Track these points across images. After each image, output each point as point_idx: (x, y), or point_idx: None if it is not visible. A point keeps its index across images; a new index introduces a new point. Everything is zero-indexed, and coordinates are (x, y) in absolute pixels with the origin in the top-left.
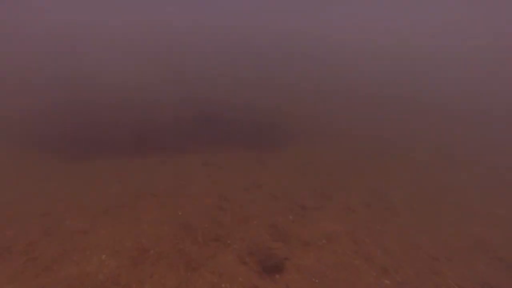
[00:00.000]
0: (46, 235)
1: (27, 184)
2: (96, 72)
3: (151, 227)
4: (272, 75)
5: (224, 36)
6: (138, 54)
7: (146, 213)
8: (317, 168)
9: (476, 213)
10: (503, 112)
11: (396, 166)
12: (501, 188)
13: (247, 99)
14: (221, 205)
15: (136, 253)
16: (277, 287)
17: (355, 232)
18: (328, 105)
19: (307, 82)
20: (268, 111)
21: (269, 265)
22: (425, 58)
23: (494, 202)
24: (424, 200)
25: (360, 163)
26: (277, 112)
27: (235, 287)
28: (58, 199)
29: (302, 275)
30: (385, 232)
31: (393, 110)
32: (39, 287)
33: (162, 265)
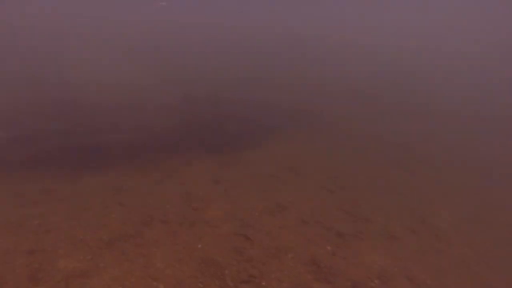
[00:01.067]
0: (34, 282)
1: (5, 212)
2: (89, 72)
3: (166, 266)
4: (274, 75)
5: (222, 36)
6: (137, 54)
7: (158, 246)
8: (343, 182)
9: None
10: None
11: (431, 179)
12: None
13: (258, 100)
14: (245, 233)
15: None
16: None
17: (409, 269)
18: (338, 105)
19: (317, 81)
20: (279, 114)
21: None
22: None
23: None
24: (475, 222)
25: (389, 174)
26: (290, 117)
27: None
28: (47, 229)
29: None
30: (444, 268)
31: (417, 118)
32: None
33: None
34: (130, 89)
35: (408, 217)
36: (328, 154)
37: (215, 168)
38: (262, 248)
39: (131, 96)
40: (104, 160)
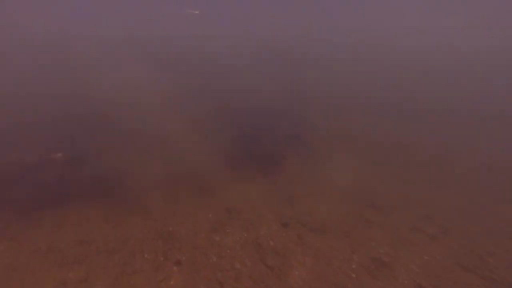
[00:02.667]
0: None
1: None
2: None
3: None
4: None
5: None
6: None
7: None
8: (441, 221)
9: None
10: None
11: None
12: None
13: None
14: None
15: None
16: None
17: None
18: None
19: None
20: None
21: None
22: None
23: None
24: None
25: (497, 207)
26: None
27: None
28: None
29: None
30: None
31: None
32: None
33: None
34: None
35: None
36: (405, 180)
37: (276, 202)
38: None
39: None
40: (132, 193)
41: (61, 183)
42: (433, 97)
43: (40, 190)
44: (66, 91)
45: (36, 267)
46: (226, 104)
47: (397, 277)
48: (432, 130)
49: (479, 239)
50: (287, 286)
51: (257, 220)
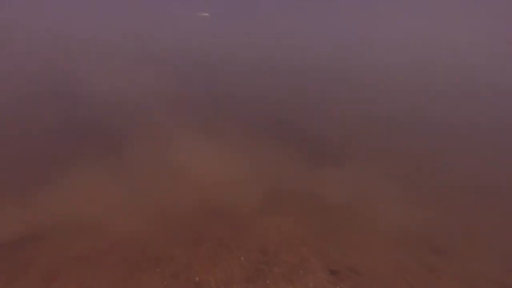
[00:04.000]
0: None
1: None
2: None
3: None
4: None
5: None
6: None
7: None
8: None
9: None
10: None
11: None
12: None
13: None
14: None
15: None
16: None
17: None
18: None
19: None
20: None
21: None
22: None
23: None
24: None
25: None
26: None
27: None
28: None
29: None
30: None
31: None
32: None
33: None
34: None
35: None
36: (470, 216)
37: (317, 240)
38: None
39: None
40: None
41: None
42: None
43: None
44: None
45: None
46: (263, 118)
47: None
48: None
49: None
50: None
51: (300, 266)
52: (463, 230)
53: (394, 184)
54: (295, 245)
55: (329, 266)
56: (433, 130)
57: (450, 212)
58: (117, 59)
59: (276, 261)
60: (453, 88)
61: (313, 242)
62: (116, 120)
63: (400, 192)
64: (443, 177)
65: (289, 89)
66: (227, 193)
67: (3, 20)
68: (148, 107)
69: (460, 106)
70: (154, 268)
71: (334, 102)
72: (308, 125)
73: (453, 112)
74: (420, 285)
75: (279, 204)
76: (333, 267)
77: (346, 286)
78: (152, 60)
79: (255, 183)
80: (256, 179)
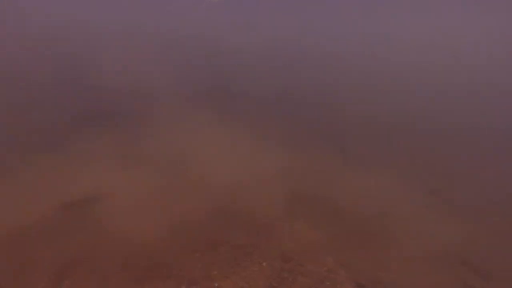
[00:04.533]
0: None
1: None
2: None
3: None
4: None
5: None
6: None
7: None
8: None
9: None
10: None
11: None
12: None
13: None
14: None
15: None
16: None
17: None
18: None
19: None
20: None
21: None
22: None
23: None
24: None
25: None
26: None
27: None
28: None
29: None
30: None
31: None
32: None
33: None
34: None
35: None
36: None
37: (342, 250)
38: None
39: None
40: None
41: None
42: None
43: None
44: None
45: None
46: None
47: None
48: None
49: None
50: None
51: (326, 277)
52: (505, 250)
53: (425, 194)
54: (319, 254)
55: (356, 278)
56: (465, 136)
57: (487, 228)
58: (133, 50)
59: (301, 270)
60: (484, 89)
61: (339, 252)
62: (130, 114)
63: (432, 203)
64: (478, 189)
65: (316, 87)
66: (246, 195)
67: (25, 8)
68: (163, 99)
69: (497, 111)
70: (169, 274)
71: (363, 103)
72: (335, 125)
73: (490, 115)
74: None
75: (301, 209)
76: (360, 280)
77: None
78: (166, 50)
79: (276, 184)
80: (278, 181)
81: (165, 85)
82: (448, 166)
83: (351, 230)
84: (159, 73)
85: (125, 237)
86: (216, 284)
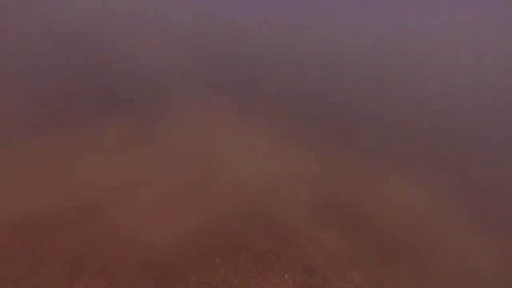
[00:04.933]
0: None
1: None
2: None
3: None
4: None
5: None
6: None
7: None
8: None
9: None
10: None
11: None
12: None
13: None
14: None
15: None
16: None
17: None
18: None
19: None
20: None
21: None
22: None
23: None
24: None
25: None
26: None
27: None
28: None
29: None
30: None
31: None
32: None
33: None
34: None
35: None
36: None
37: (366, 262)
38: None
39: None
40: None
41: None
42: None
43: None
44: None
45: None
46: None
47: None
48: None
49: None
50: None
51: None
52: None
53: (463, 210)
54: (345, 268)
55: None
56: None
57: None
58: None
59: (325, 285)
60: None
61: (367, 268)
62: (148, 108)
63: (469, 221)
64: None
65: (348, 92)
66: (269, 199)
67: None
68: (184, 93)
69: None
70: (187, 279)
71: (398, 109)
72: (367, 129)
73: None
74: None
75: (329, 216)
76: None
77: None
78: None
79: (302, 188)
80: (304, 184)
81: (196, 78)
82: (496, 185)
83: (380, 245)
84: (191, 66)
85: (143, 239)
86: None
